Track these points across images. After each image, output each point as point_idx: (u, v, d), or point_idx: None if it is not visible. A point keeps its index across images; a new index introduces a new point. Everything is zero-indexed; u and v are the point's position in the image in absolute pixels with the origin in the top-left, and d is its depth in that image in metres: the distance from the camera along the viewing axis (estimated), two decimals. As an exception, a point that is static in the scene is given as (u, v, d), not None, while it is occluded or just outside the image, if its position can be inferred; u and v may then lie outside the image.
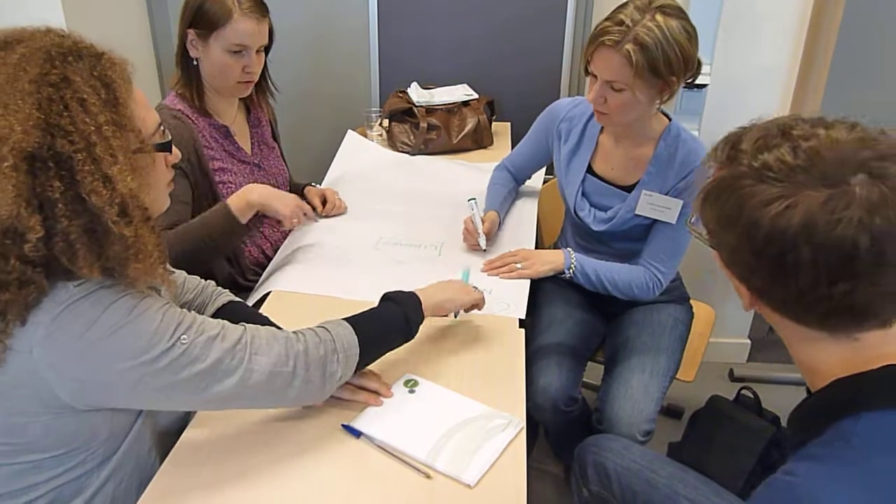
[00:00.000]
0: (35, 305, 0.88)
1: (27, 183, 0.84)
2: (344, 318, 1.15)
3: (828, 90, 2.33)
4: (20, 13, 2.19)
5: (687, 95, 2.34)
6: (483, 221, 1.74)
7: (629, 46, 1.43)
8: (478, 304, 1.41)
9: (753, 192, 0.71)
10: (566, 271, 1.66)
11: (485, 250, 1.70)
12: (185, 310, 0.99)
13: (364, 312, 1.19)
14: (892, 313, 0.72)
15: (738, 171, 0.74)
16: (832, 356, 0.75)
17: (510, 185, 1.98)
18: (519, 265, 1.65)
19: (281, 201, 1.62)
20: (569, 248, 1.71)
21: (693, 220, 0.87)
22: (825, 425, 0.73)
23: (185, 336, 0.95)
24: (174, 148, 1.05)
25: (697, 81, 2.32)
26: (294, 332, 1.08)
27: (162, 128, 1.02)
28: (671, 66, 1.45)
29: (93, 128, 0.87)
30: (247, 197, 1.58)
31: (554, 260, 1.67)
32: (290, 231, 1.88)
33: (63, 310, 0.89)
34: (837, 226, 0.66)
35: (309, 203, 1.94)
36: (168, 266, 1.02)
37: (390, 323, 1.21)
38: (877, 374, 0.72)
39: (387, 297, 1.25)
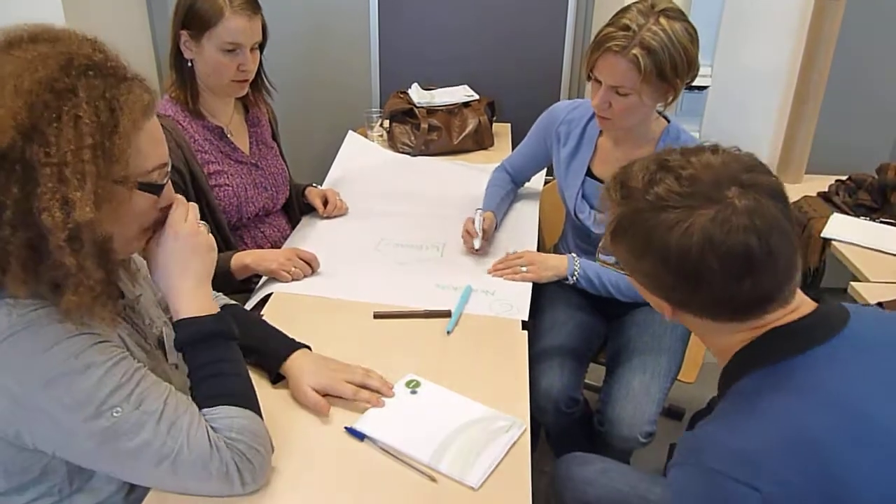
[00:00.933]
0: None
1: None
2: (216, 401, 0.98)
3: (828, 91, 2.33)
4: (20, 16, 2.18)
5: (688, 97, 2.34)
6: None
7: (636, 51, 1.42)
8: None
9: (656, 221, 0.82)
10: (569, 278, 1.66)
11: (477, 250, 1.70)
12: (137, 366, 0.92)
13: (211, 382, 1.00)
14: (788, 293, 0.85)
15: (636, 206, 0.85)
16: (738, 337, 0.87)
17: (508, 186, 1.98)
18: (524, 268, 1.64)
19: (270, 258, 1.60)
20: (573, 255, 1.70)
21: (601, 254, 1.00)
22: (726, 390, 0.88)
23: (118, 408, 0.88)
24: (168, 194, 0.99)
25: (698, 83, 2.33)
26: (219, 438, 0.95)
27: (165, 169, 0.96)
28: (677, 69, 1.45)
29: (73, 147, 0.82)
30: (242, 261, 1.58)
31: (557, 265, 1.67)
32: (290, 232, 1.88)
33: (3, 340, 0.84)
34: (730, 234, 0.79)
35: (310, 203, 1.94)
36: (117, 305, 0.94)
37: (237, 363, 1.05)
38: (761, 339, 0.85)
39: (185, 346, 1.03)
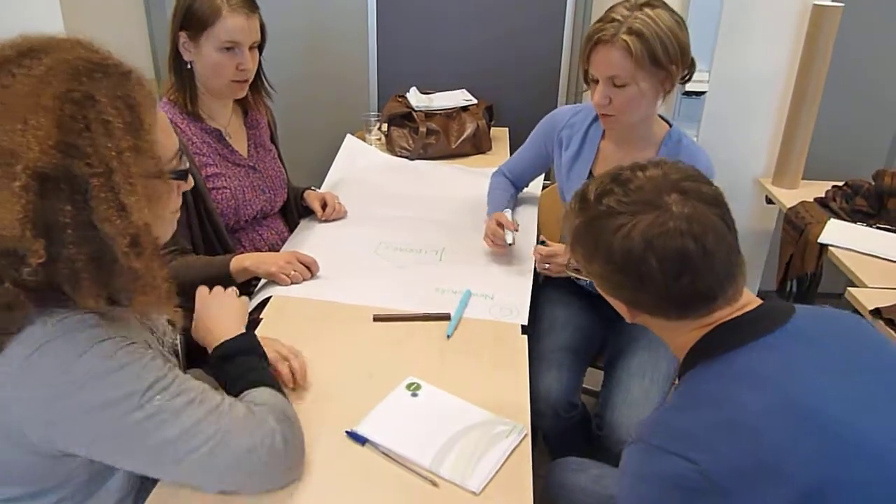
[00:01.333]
0: (17, 333, 0.85)
1: (36, 204, 0.80)
2: (245, 381, 1.07)
3: (825, 97, 2.34)
4: (18, 18, 2.18)
5: (685, 102, 2.34)
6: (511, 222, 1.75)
7: (625, 37, 1.44)
8: None
9: (604, 226, 0.91)
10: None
11: (510, 244, 1.70)
12: (169, 364, 0.94)
13: (248, 375, 1.09)
14: (732, 291, 0.91)
15: (590, 215, 0.94)
16: (692, 335, 0.93)
17: (510, 189, 1.98)
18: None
19: (269, 261, 1.60)
20: None
21: (568, 264, 1.08)
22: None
23: (158, 397, 0.89)
24: (189, 177, 1.02)
25: (695, 89, 2.34)
26: (256, 411, 1.00)
27: (180, 154, 0.98)
28: (668, 52, 1.46)
29: (114, 153, 0.83)
30: (241, 264, 1.57)
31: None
32: (288, 235, 1.88)
33: (39, 348, 0.84)
34: (667, 236, 0.86)
35: (309, 206, 1.94)
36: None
37: (265, 369, 1.14)
38: (709, 334, 0.92)
39: (233, 355, 1.13)
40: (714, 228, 0.88)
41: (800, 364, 0.86)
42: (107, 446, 0.89)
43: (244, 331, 1.19)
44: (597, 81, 1.52)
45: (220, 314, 1.22)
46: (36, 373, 0.85)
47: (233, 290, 1.30)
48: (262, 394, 1.05)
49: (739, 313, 0.92)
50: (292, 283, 1.58)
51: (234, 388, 1.07)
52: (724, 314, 0.92)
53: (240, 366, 1.11)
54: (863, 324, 0.97)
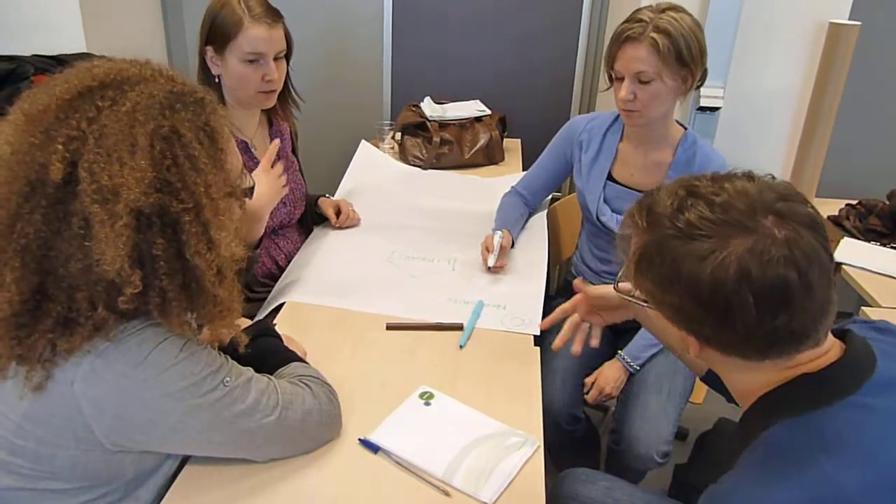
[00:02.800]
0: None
1: (134, 239, 0.84)
2: (278, 357, 1.18)
3: (840, 116, 2.34)
4: (39, 26, 2.20)
5: (700, 118, 2.35)
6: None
7: (653, 35, 1.50)
8: None
9: (687, 250, 0.77)
10: (632, 369, 1.67)
11: (489, 268, 1.71)
12: (217, 352, 0.99)
13: (276, 354, 1.20)
14: (823, 332, 0.80)
15: (664, 233, 0.80)
16: (765, 377, 0.83)
17: (521, 208, 1.98)
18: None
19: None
20: (619, 353, 1.70)
21: (619, 283, 0.95)
22: (752, 438, 0.82)
23: (228, 377, 0.96)
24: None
25: (710, 105, 2.35)
26: (295, 382, 1.10)
27: (244, 171, 1.03)
28: (692, 51, 1.52)
29: (202, 188, 0.88)
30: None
31: (617, 376, 1.66)
32: (303, 243, 1.88)
33: (109, 346, 0.88)
34: (768, 266, 0.74)
35: (323, 214, 1.94)
36: None
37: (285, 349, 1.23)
38: (789, 385, 0.81)
39: (258, 335, 1.20)
40: (819, 259, 0.76)
41: (893, 431, 0.77)
42: (183, 430, 0.93)
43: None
44: (621, 79, 1.57)
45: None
46: (108, 369, 0.87)
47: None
48: (296, 368, 1.15)
49: (825, 362, 0.81)
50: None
51: (265, 365, 1.12)
52: (808, 357, 0.81)
53: (263, 347, 1.19)
54: None
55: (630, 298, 0.92)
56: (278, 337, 1.24)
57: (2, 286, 0.85)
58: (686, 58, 1.52)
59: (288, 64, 1.72)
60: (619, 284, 0.97)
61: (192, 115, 0.90)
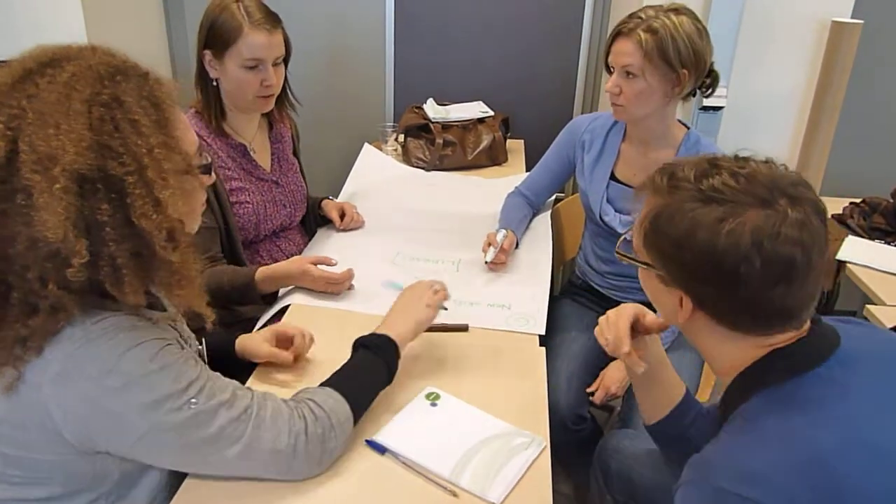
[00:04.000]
0: (55, 334, 0.87)
1: (76, 205, 0.82)
2: (328, 383, 1.11)
3: (843, 114, 2.34)
4: (44, 31, 2.21)
5: (703, 117, 2.35)
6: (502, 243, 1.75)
7: (641, 33, 1.54)
8: (443, 300, 1.37)
9: (705, 212, 0.82)
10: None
11: (487, 262, 1.71)
12: (199, 364, 0.96)
13: (346, 371, 1.15)
14: (806, 316, 0.87)
15: (684, 195, 0.85)
16: (742, 354, 0.88)
17: (525, 209, 1.99)
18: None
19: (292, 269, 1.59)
20: None
21: (622, 246, 0.99)
22: (732, 412, 0.88)
23: (195, 399, 0.92)
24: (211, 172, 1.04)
25: (713, 104, 2.35)
26: (293, 404, 1.04)
27: (201, 149, 1.01)
28: (681, 55, 1.54)
29: (144, 150, 0.86)
30: (264, 273, 1.55)
31: (623, 377, 1.62)
32: (306, 245, 1.88)
33: (79, 348, 0.86)
34: (778, 241, 0.80)
35: (326, 216, 1.95)
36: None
37: (374, 377, 1.17)
38: (763, 360, 0.87)
39: (362, 345, 1.20)
40: (820, 242, 0.83)
41: (858, 396, 0.83)
42: (145, 445, 0.91)
43: (391, 342, 1.22)
44: (613, 72, 1.61)
45: (408, 307, 1.30)
46: (77, 372, 0.86)
47: (435, 293, 1.35)
48: (326, 397, 1.07)
49: (794, 338, 0.87)
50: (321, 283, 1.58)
51: (332, 376, 1.12)
52: (783, 339, 0.87)
53: (357, 359, 1.18)
54: None
55: (631, 259, 0.96)
56: (386, 358, 1.19)
57: None
58: (672, 59, 1.53)
59: (286, 68, 1.72)
60: (620, 247, 1.01)
61: (134, 85, 0.88)
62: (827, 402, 0.82)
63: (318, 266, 1.58)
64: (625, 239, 1.00)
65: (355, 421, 1.10)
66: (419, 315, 1.30)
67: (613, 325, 1.09)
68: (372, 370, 1.17)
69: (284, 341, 1.33)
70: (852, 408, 0.82)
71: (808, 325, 0.89)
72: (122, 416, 0.88)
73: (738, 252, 0.80)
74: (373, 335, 1.22)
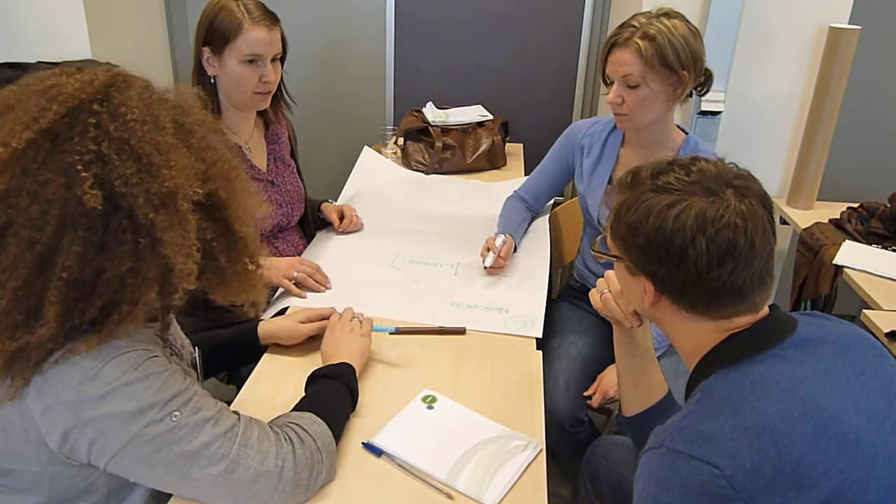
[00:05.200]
0: None
1: (196, 230, 0.88)
2: (302, 409, 1.08)
3: (841, 119, 2.35)
4: (44, 32, 2.22)
5: (701, 122, 2.35)
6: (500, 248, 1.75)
7: (638, 41, 1.54)
8: (369, 325, 1.38)
9: (658, 199, 0.92)
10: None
11: (486, 267, 1.72)
12: (188, 378, 0.95)
13: (314, 397, 1.14)
14: (760, 301, 0.94)
15: (642, 189, 0.95)
16: (704, 338, 0.95)
17: (524, 213, 1.99)
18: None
19: (274, 269, 1.61)
20: None
21: (598, 246, 1.07)
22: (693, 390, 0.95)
23: (177, 412, 0.89)
24: None
25: (712, 108, 2.35)
26: (277, 428, 1.01)
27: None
28: (679, 57, 1.54)
29: (224, 163, 0.93)
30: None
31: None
32: (305, 247, 1.89)
33: (62, 355, 0.85)
34: (721, 222, 0.88)
35: (326, 218, 1.95)
36: None
37: (343, 402, 1.17)
38: (723, 343, 0.94)
39: (320, 375, 1.19)
40: (763, 228, 0.91)
41: (809, 374, 0.89)
42: (124, 457, 0.89)
43: (349, 367, 1.23)
44: (612, 83, 1.61)
45: (344, 345, 1.30)
46: (60, 380, 0.85)
47: (360, 323, 1.36)
48: (311, 422, 1.05)
49: (751, 322, 0.94)
50: (302, 288, 1.60)
51: (301, 404, 1.11)
52: (743, 322, 0.94)
53: (320, 387, 1.17)
54: (862, 333, 0.99)
55: (604, 254, 1.04)
56: (347, 384, 1.19)
57: (39, 321, 0.82)
58: (673, 63, 1.54)
59: (282, 66, 1.74)
60: (597, 246, 1.09)
61: (171, 103, 0.91)
62: (778, 379, 0.88)
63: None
64: (602, 239, 1.06)
65: (336, 438, 1.09)
66: (356, 346, 1.30)
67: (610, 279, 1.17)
68: (340, 396, 1.17)
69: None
70: (801, 384, 0.87)
71: (765, 311, 0.96)
72: (103, 426, 0.86)
73: (684, 234, 0.89)
74: (329, 365, 1.23)
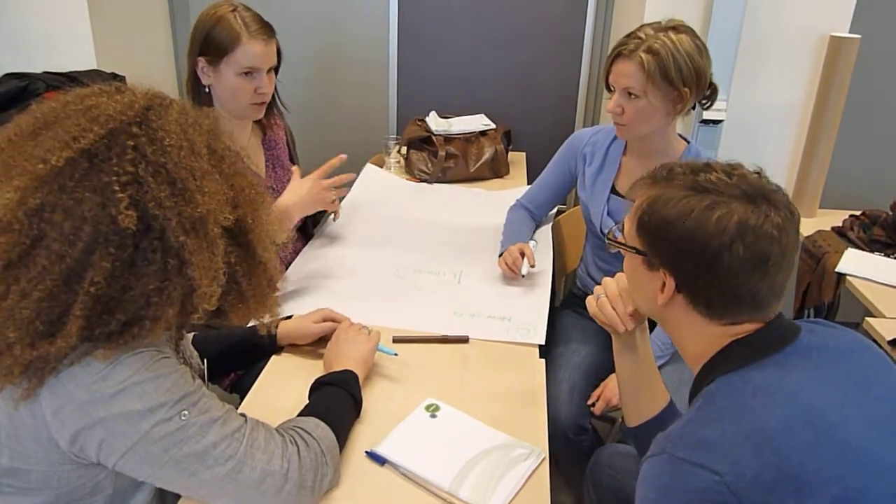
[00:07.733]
0: None
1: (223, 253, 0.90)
2: (308, 416, 1.10)
3: (842, 127, 2.35)
4: (53, 50, 2.24)
5: (703, 130, 2.36)
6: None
7: (642, 54, 1.55)
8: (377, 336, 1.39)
9: (699, 199, 0.91)
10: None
11: (523, 276, 1.72)
12: (196, 379, 0.96)
13: (317, 405, 1.15)
14: (772, 310, 0.94)
15: (679, 185, 0.94)
16: (709, 344, 0.95)
17: (529, 223, 2.00)
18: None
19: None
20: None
21: (614, 234, 1.06)
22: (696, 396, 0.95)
23: (186, 412, 0.90)
24: None
25: (713, 117, 2.36)
26: (283, 431, 1.03)
27: None
28: (682, 74, 1.54)
29: (250, 189, 0.95)
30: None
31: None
32: (301, 249, 1.89)
33: (76, 357, 0.86)
34: (760, 231, 0.89)
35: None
36: None
37: (346, 409, 1.18)
38: (724, 350, 0.94)
39: (323, 383, 1.21)
40: (795, 243, 0.92)
41: (811, 381, 0.89)
42: (133, 456, 0.90)
43: (352, 374, 1.24)
44: (614, 92, 1.62)
45: (347, 351, 1.31)
46: (71, 379, 0.86)
47: (366, 331, 1.38)
48: (315, 426, 1.06)
49: (754, 329, 0.94)
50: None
51: (304, 411, 1.12)
52: (746, 329, 0.94)
53: (324, 394, 1.18)
54: (865, 342, 0.99)
55: (622, 245, 1.03)
56: (351, 391, 1.20)
57: (61, 332, 0.83)
58: (674, 79, 1.54)
59: (276, 76, 1.77)
60: (613, 234, 1.08)
61: (205, 128, 0.93)
62: (780, 385, 0.88)
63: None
64: (614, 231, 1.06)
65: (341, 444, 1.11)
66: (358, 351, 1.31)
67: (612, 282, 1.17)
68: (343, 402, 1.18)
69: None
70: (803, 391, 0.87)
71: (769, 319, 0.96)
72: (113, 425, 0.87)
73: (723, 237, 0.89)
74: (332, 373, 1.23)
